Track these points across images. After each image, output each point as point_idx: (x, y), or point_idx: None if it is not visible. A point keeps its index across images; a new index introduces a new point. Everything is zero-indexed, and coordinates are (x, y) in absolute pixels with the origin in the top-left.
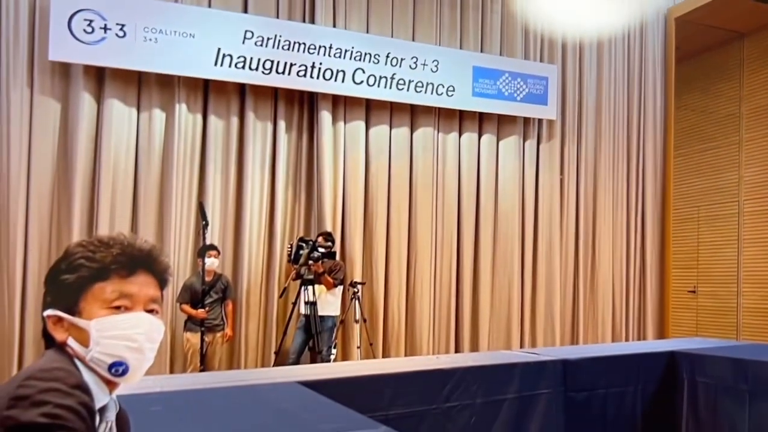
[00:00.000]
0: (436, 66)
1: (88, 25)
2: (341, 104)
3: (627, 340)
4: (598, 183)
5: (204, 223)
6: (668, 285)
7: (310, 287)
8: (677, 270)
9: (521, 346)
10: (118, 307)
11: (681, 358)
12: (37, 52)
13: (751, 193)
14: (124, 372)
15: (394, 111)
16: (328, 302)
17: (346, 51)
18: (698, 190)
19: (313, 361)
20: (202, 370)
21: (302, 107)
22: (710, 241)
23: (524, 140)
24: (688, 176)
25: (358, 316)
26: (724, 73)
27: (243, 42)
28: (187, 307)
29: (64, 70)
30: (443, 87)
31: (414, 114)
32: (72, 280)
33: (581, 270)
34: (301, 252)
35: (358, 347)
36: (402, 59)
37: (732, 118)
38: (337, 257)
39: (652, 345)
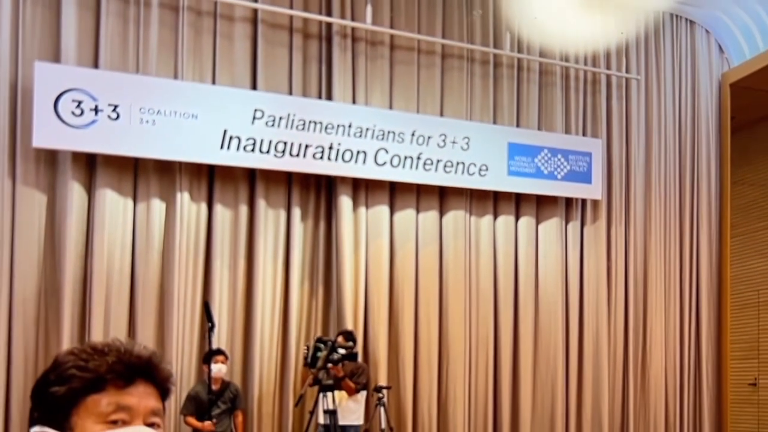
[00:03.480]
0: (467, 143)
1: (77, 106)
2: (362, 188)
3: None
4: (649, 268)
5: (210, 325)
6: (726, 378)
7: (329, 394)
8: (736, 361)
9: None
10: (115, 422)
11: None
12: (19, 139)
13: None
14: None
15: (421, 194)
16: (350, 410)
17: (367, 129)
18: (759, 273)
19: None
20: None
21: (319, 193)
22: None
23: (566, 223)
24: (747, 257)
25: (383, 425)
26: None
27: (252, 122)
28: (192, 420)
29: (50, 157)
30: (475, 166)
31: (443, 197)
32: (62, 392)
33: (631, 365)
34: (318, 354)
35: None
36: (429, 137)
37: None
38: (360, 359)
39: None
